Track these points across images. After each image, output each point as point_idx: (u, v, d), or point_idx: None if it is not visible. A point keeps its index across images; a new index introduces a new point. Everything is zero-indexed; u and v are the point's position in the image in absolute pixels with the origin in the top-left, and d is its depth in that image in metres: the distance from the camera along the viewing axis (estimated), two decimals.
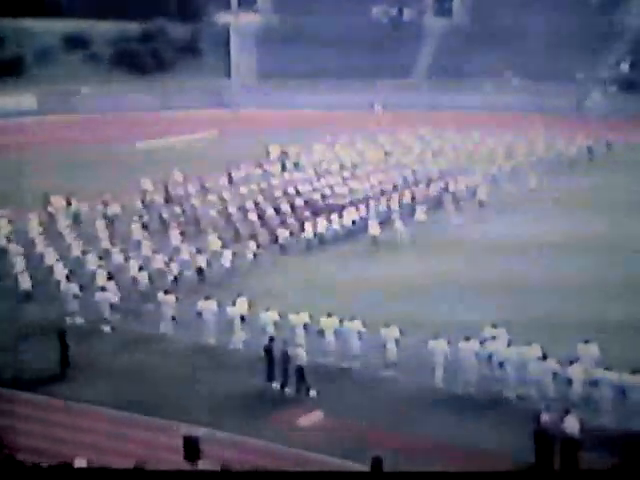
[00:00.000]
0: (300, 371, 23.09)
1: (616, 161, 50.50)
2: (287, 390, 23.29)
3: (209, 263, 32.28)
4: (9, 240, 34.47)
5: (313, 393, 22.95)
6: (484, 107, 66.91)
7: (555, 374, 21.98)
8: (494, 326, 23.87)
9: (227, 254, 32.78)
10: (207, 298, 26.96)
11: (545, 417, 19.73)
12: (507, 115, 63.45)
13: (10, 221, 36.95)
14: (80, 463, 16.88)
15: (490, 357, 22.86)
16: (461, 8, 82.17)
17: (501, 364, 22.74)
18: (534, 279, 31.58)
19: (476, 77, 71.17)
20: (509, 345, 22.92)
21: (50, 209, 39.43)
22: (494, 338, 23.23)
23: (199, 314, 26.62)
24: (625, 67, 70.72)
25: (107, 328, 27.69)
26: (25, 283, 30.51)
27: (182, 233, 35.23)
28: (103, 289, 28.56)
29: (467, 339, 23.17)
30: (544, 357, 22.21)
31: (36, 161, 52.81)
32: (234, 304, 26.30)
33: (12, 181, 46.61)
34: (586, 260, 33.43)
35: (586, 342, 22.72)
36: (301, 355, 23.26)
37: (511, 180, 46.19)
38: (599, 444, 19.88)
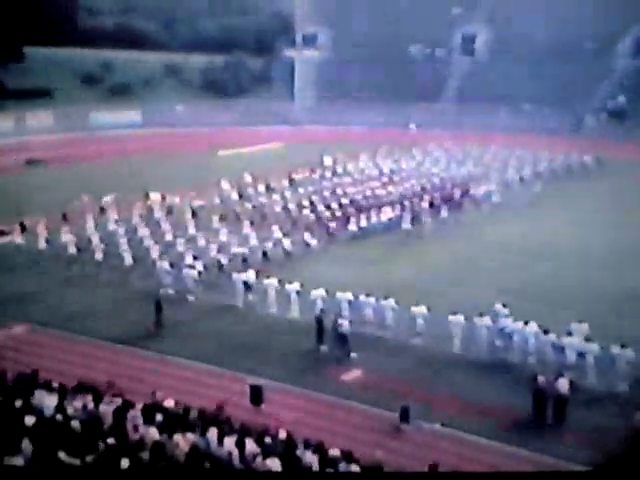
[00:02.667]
0: (344, 337, 23.03)
1: (603, 171, 49.92)
2: (333, 352, 23.22)
3: (272, 248, 32.30)
4: (118, 225, 34.84)
5: (354, 355, 22.88)
6: (500, 127, 66.04)
7: (553, 344, 21.68)
8: (504, 305, 23.62)
9: (287, 241, 32.77)
10: (268, 277, 26.99)
11: (542, 379, 19.50)
12: (518, 133, 62.49)
13: (118, 211, 37.33)
14: (168, 403, 17.03)
15: (501, 330, 22.61)
16: (482, 48, 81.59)
17: (509, 336, 22.51)
18: (535, 264, 31.17)
19: (494, 103, 70.34)
20: (514, 320, 22.63)
21: (149, 202, 39.75)
22: (506, 316, 23.00)
23: (264, 291, 26.64)
24: (622, 99, 69.53)
25: (192, 298, 27.91)
26: (128, 260, 30.87)
27: (251, 224, 35.27)
28: (189, 267, 28.82)
29: (481, 315, 22.94)
30: (545, 332, 21.89)
31: (139, 164, 53.37)
32: (291, 282, 26.31)
33: (120, 179, 47.25)
34: (572, 242, 34.08)
35: (579, 321, 22.23)
36: (345, 325, 23.20)
37: (520, 186, 45.64)
38: (584, 402, 19.72)
